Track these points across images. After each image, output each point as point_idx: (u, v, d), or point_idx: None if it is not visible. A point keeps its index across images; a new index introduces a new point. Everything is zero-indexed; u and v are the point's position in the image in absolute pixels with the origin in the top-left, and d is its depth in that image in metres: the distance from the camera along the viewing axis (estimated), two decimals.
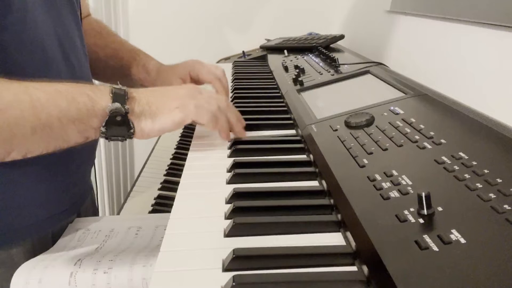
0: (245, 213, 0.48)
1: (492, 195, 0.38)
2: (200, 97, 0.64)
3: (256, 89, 1.00)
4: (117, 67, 0.87)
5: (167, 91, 0.64)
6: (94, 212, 0.88)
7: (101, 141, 1.60)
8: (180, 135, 1.25)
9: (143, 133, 0.59)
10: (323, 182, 0.53)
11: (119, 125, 0.56)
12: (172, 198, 0.53)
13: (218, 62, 1.49)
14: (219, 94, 0.79)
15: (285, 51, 1.29)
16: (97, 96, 0.56)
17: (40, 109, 0.51)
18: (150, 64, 0.86)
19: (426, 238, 0.35)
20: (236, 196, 0.51)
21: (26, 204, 0.63)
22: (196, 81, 0.84)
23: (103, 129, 0.56)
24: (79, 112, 0.54)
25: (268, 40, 1.51)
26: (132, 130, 0.58)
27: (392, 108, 0.63)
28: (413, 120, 0.57)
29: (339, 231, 0.45)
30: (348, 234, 0.42)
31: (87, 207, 0.81)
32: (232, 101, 0.92)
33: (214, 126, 0.65)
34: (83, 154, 0.72)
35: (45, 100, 0.52)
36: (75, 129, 0.54)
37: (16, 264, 0.59)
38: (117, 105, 0.55)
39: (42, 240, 0.66)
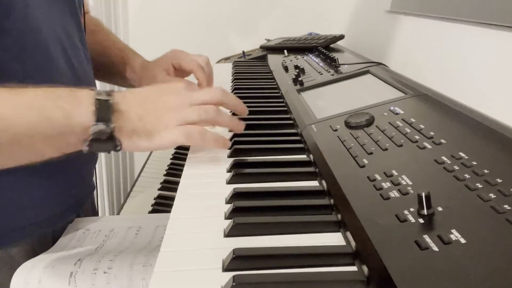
0: (245, 213, 0.48)
1: (492, 195, 0.38)
2: (195, 100, 0.58)
3: (256, 89, 1.00)
4: (105, 65, 0.87)
5: (156, 98, 0.57)
6: (94, 212, 0.88)
7: None
8: None
9: (138, 149, 0.55)
10: (323, 182, 0.53)
11: (104, 143, 0.52)
12: (172, 198, 0.52)
13: (218, 62, 1.49)
14: (204, 89, 0.71)
15: (285, 51, 1.29)
16: (75, 111, 0.50)
17: (6, 125, 0.48)
18: (136, 62, 0.87)
19: (426, 238, 0.35)
20: (236, 196, 0.51)
21: (26, 204, 0.63)
22: (179, 70, 0.83)
23: (85, 147, 0.52)
24: (52, 129, 0.50)
25: (268, 40, 1.51)
26: (118, 147, 0.53)
27: (392, 108, 0.63)
28: (413, 120, 0.57)
29: (339, 231, 0.45)
30: (348, 234, 0.42)
31: (86, 207, 0.81)
32: None
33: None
34: (85, 155, 0.72)
35: (11, 116, 0.48)
36: (47, 145, 0.51)
37: (16, 264, 0.59)
38: (101, 126, 0.50)
39: (42, 240, 0.66)
